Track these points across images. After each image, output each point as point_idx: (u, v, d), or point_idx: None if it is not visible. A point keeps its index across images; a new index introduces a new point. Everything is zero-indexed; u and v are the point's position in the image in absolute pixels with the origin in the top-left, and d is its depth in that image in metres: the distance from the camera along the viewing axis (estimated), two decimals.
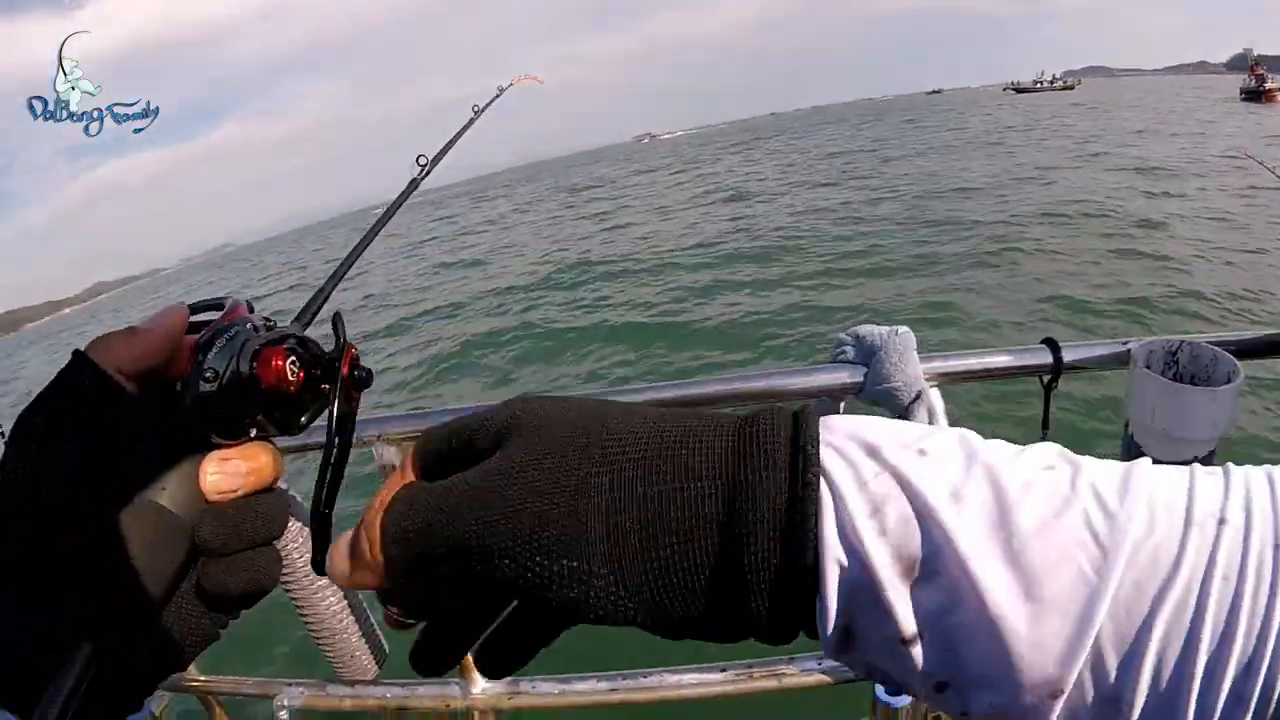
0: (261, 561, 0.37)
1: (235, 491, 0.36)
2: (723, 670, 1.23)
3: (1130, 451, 1.12)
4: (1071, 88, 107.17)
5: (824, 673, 1.22)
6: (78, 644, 0.31)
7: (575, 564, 0.29)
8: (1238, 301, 7.09)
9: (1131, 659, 0.25)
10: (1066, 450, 0.31)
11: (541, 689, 1.26)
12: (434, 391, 8.78)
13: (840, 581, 0.27)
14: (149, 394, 0.36)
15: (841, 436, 0.30)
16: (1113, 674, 0.26)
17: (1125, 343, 1.14)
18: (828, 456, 0.29)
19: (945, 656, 0.27)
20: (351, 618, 1.24)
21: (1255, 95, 46.76)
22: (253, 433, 0.37)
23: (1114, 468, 0.29)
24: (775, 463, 0.28)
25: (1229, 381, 1.07)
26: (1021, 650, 0.26)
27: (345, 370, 0.38)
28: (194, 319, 0.39)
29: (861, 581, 0.27)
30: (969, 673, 0.27)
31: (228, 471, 0.36)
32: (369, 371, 0.39)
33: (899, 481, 0.28)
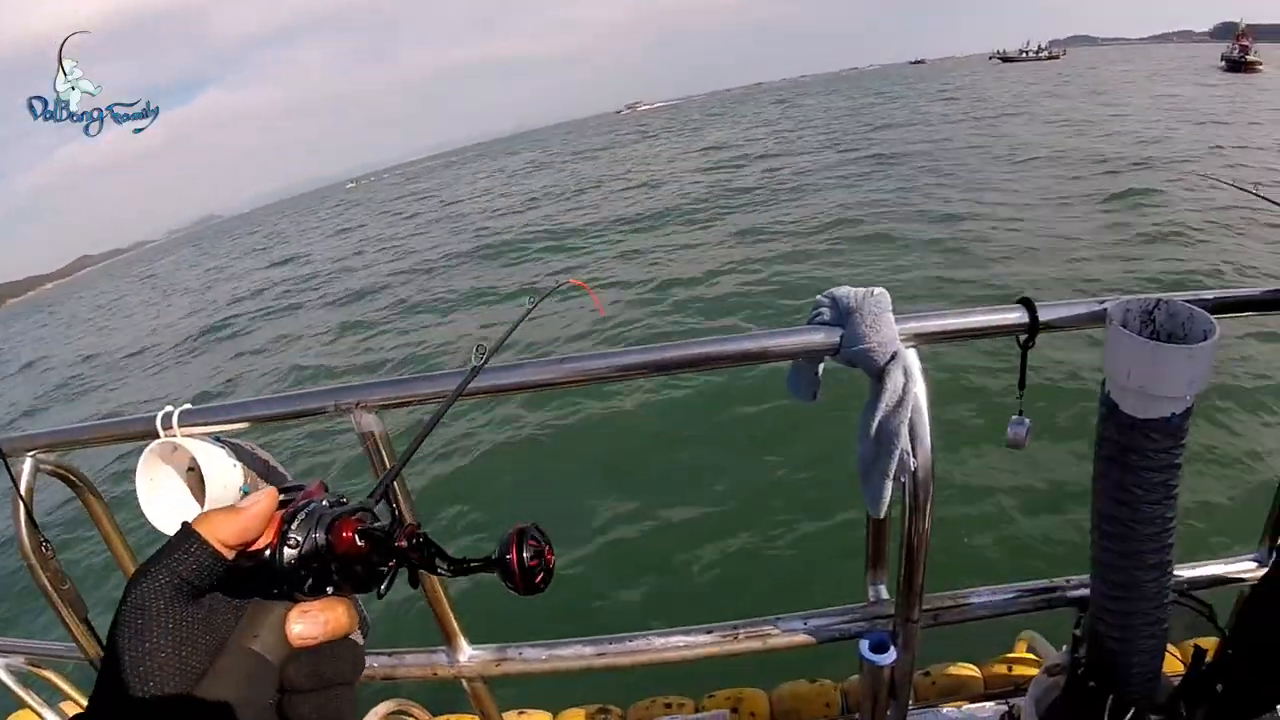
0: (340, 700, 0.44)
1: (315, 639, 0.43)
2: (709, 632, 1.25)
3: (1107, 409, 1.13)
4: (1057, 57, 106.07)
5: (809, 633, 1.24)
6: None
7: None
8: None
9: None
10: None
11: (528, 655, 1.28)
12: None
13: None
14: (247, 557, 0.44)
15: None
16: None
17: (1102, 301, 1.14)
18: None
19: None
20: None
21: (1237, 65, 45.62)
22: (330, 590, 0.45)
23: None
24: None
25: (1205, 339, 1.07)
26: None
27: (403, 543, 0.46)
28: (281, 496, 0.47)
29: None
30: None
31: (309, 622, 0.43)
32: (424, 539, 0.47)
33: None
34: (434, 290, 13.22)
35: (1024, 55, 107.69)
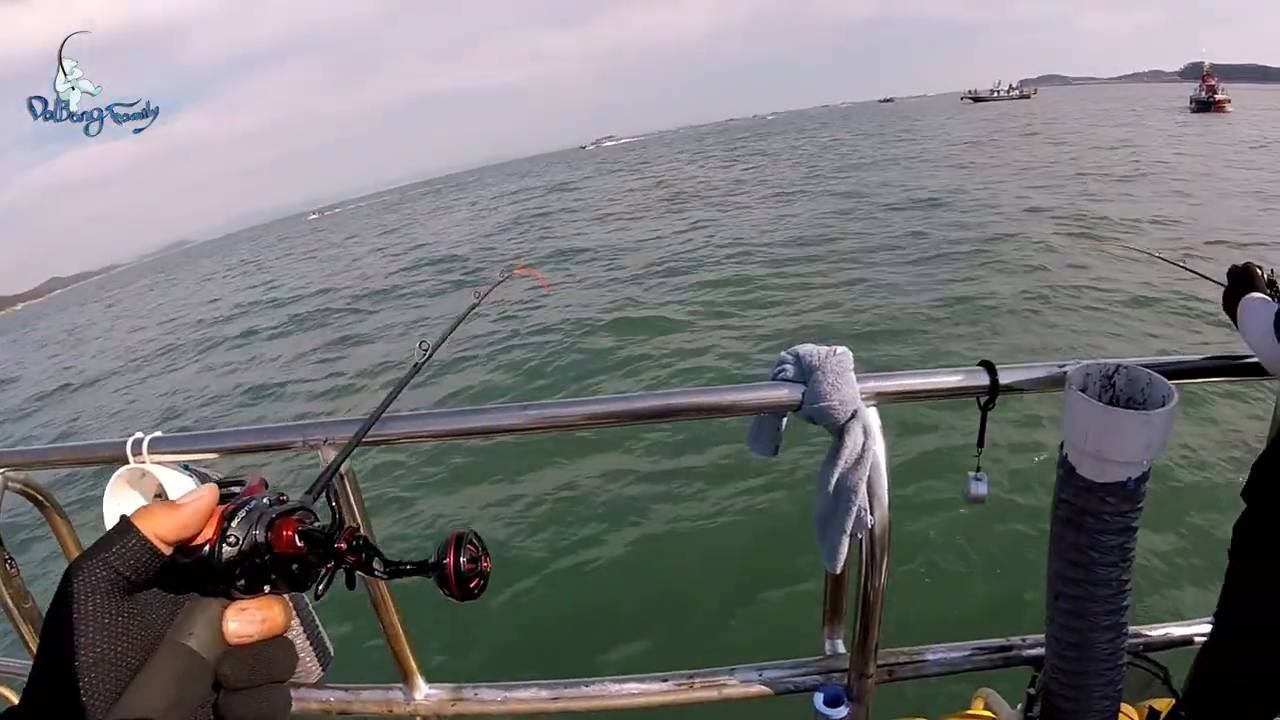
0: (273, 698, 0.43)
1: (251, 637, 0.43)
2: (664, 680, 1.25)
3: (1065, 471, 1.14)
4: (1028, 96, 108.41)
5: (764, 684, 1.24)
6: None
7: None
8: None
9: None
10: None
11: (484, 695, 1.27)
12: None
13: None
14: (185, 553, 0.43)
15: None
16: None
17: (1062, 365, 1.16)
18: None
19: None
20: (297, 620, 1.24)
21: (1205, 106, 46.71)
22: (266, 589, 0.45)
23: None
24: None
25: (1164, 405, 1.09)
26: None
27: (342, 545, 0.47)
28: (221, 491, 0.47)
29: None
30: None
31: (245, 620, 0.43)
32: (363, 541, 0.48)
33: None
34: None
35: (994, 95, 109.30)
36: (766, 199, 21.26)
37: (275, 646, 0.44)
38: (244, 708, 0.42)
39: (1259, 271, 1.23)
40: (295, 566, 0.46)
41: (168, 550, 0.42)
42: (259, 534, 0.44)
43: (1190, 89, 53.63)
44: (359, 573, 0.49)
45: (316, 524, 0.48)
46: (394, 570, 0.49)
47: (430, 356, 0.78)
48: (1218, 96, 47.04)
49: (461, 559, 0.49)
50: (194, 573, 0.43)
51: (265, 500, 0.47)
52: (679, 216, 19.63)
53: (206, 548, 0.43)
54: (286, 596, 0.46)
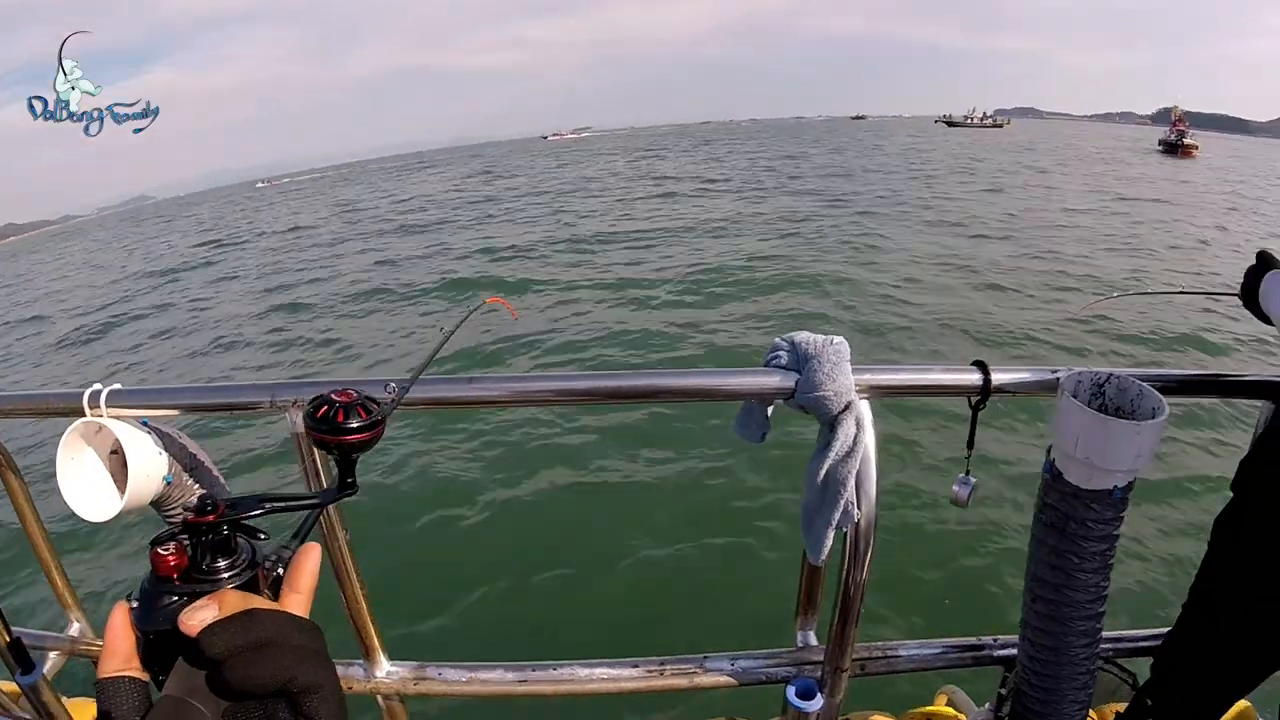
0: (272, 659, 0.41)
1: (208, 620, 0.42)
2: (635, 666, 1.22)
3: (1052, 476, 1.13)
4: (1000, 125, 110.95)
5: (735, 674, 1.22)
6: None
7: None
8: None
9: None
10: None
11: (449, 675, 1.23)
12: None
13: None
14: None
15: None
16: None
17: (1055, 370, 1.15)
18: None
19: None
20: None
21: (1173, 149, 47.61)
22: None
23: None
24: None
25: (1154, 416, 1.08)
26: None
27: (189, 517, 0.48)
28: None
29: None
30: None
31: (196, 613, 0.42)
32: (213, 504, 0.48)
33: None
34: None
35: (968, 121, 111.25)
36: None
37: (257, 615, 0.43)
38: (234, 674, 0.40)
39: (1275, 256, 1.22)
40: (205, 561, 0.47)
41: (133, 674, 0.45)
42: (145, 581, 0.46)
43: (1161, 132, 54.82)
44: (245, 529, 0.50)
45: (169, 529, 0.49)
46: (280, 499, 0.52)
47: (398, 402, 0.76)
48: (1186, 141, 48.04)
49: (347, 425, 0.53)
50: (165, 655, 0.45)
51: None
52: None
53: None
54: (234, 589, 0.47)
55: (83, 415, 1.17)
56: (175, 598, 0.45)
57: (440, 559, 4.38)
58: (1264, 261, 1.22)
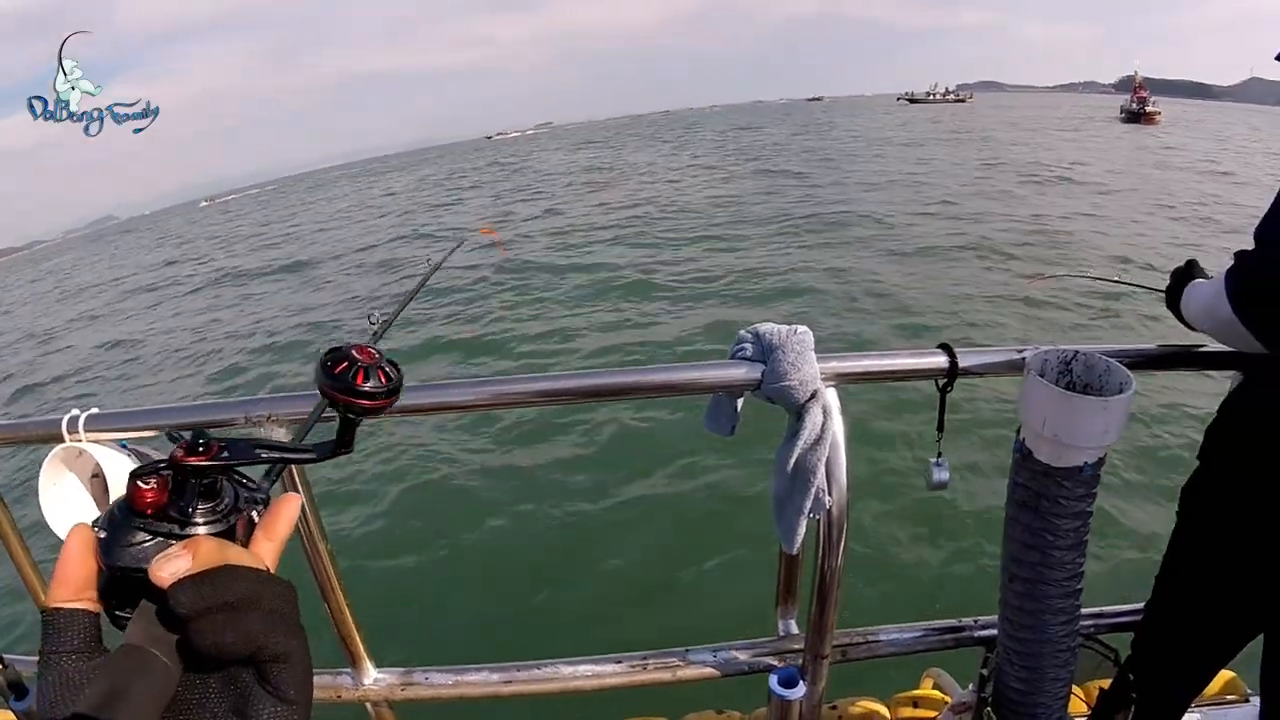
0: (240, 623, 0.39)
1: (181, 571, 0.39)
2: (618, 662, 1.23)
3: (1022, 455, 1.14)
4: (963, 100, 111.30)
5: (718, 666, 1.23)
6: None
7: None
8: None
9: None
10: None
11: (435, 679, 1.24)
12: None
13: None
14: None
15: None
16: None
17: (1020, 350, 1.16)
18: None
19: None
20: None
21: (1136, 116, 47.85)
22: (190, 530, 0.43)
23: None
24: None
25: (1121, 392, 1.09)
26: None
27: (179, 454, 0.44)
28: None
29: None
30: None
31: (169, 562, 0.39)
32: (206, 444, 0.45)
33: None
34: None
35: (930, 97, 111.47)
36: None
37: (232, 570, 0.40)
38: (202, 636, 0.38)
39: (1200, 268, 1.25)
40: (180, 505, 0.43)
41: (90, 604, 0.42)
42: (118, 515, 0.43)
43: (1124, 100, 55.20)
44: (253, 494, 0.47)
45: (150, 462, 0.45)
46: (276, 448, 0.48)
47: (380, 334, 0.74)
48: (1148, 108, 48.35)
49: (360, 385, 0.50)
50: (123, 593, 0.42)
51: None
52: None
53: (110, 574, 0.42)
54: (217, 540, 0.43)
55: (62, 441, 1.18)
56: (147, 536, 0.42)
57: (418, 563, 4.37)
58: (1189, 270, 1.25)
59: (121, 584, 0.42)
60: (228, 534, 0.45)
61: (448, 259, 1.00)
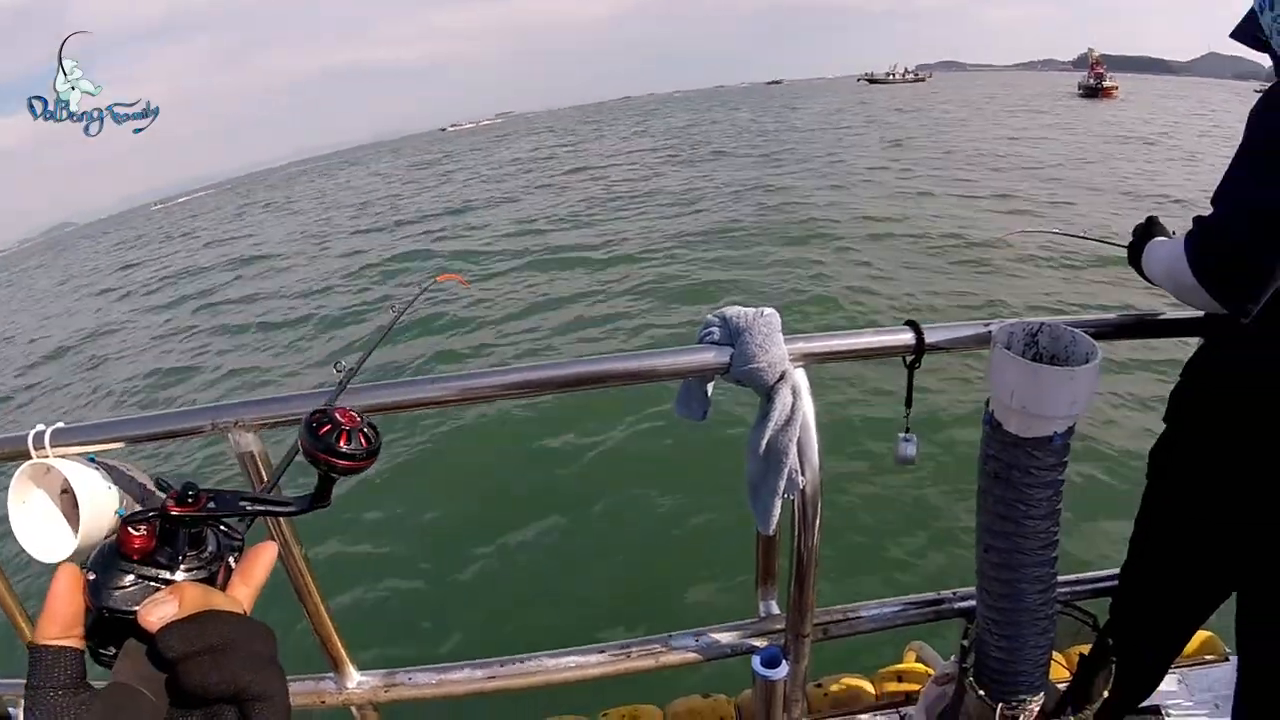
0: (226, 664, 0.40)
1: (169, 617, 0.41)
2: (601, 651, 1.24)
3: (991, 427, 1.16)
4: (923, 80, 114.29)
5: (701, 650, 1.24)
6: None
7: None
8: None
9: None
10: None
11: (418, 679, 1.24)
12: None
13: None
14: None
15: None
16: None
17: (986, 324, 1.17)
18: None
19: None
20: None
21: (1093, 92, 48.67)
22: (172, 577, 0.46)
23: None
24: None
25: (1087, 362, 1.11)
26: None
27: (170, 505, 0.47)
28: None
29: None
30: None
31: (156, 607, 0.41)
32: (196, 495, 0.48)
33: None
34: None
35: (890, 78, 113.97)
36: None
37: (216, 615, 0.42)
38: (189, 678, 0.40)
39: (1160, 224, 1.26)
40: (166, 553, 0.47)
41: (76, 642, 0.43)
42: (108, 554, 0.45)
43: (1081, 76, 56.09)
44: (228, 522, 0.50)
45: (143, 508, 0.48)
46: (260, 502, 0.50)
47: (346, 383, 0.76)
48: (1105, 83, 49.31)
49: (340, 445, 0.52)
50: (109, 633, 0.44)
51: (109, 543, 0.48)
52: None
53: (99, 613, 0.44)
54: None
55: (29, 457, 1.16)
56: (134, 579, 0.45)
57: (396, 564, 4.35)
58: (1149, 227, 1.27)
59: (108, 624, 0.44)
60: (209, 579, 0.48)
61: (410, 307, 1.00)
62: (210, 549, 0.49)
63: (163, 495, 0.49)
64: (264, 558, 0.51)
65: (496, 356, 7.80)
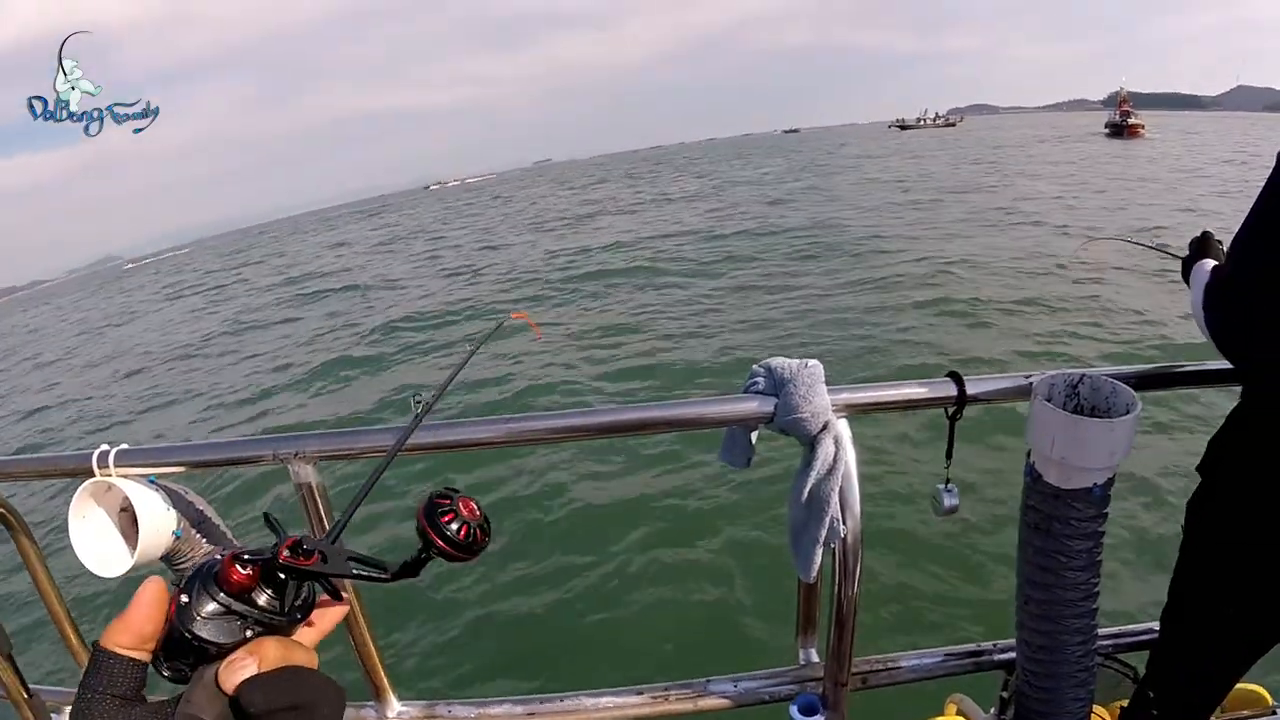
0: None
1: (251, 674, 0.43)
2: (639, 693, 1.25)
3: (1032, 479, 1.16)
4: (953, 124, 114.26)
5: (739, 695, 1.24)
6: None
7: None
8: None
9: None
10: None
11: (458, 712, 1.26)
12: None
13: None
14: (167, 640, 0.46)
15: None
16: None
17: (1028, 376, 1.18)
18: None
19: None
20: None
21: (1119, 130, 48.02)
22: (249, 634, 0.46)
23: None
24: None
25: (1127, 413, 1.11)
26: None
27: (284, 554, 0.47)
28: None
29: None
30: None
31: (236, 668, 0.43)
32: (306, 550, 0.48)
33: None
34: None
35: (921, 123, 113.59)
36: None
37: (295, 673, 0.44)
38: None
39: (1215, 241, 1.25)
40: (263, 596, 0.47)
41: (143, 655, 0.45)
42: (209, 585, 0.45)
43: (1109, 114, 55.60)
44: (332, 580, 0.50)
45: (254, 549, 0.48)
46: (363, 564, 0.50)
47: (428, 411, 0.79)
48: (1131, 121, 48.57)
49: (451, 528, 0.51)
50: (179, 652, 0.45)
51: (217, 556, 0.48)
52: None
53: (178, 632, 0.45)
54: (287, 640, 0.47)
55: (92, 475, 1.21)
56: (221, 608, 0.45)
57: (441, 595, 4.38)
58: (1203, 243, 1.25)
59: (184, 645, 0.45)
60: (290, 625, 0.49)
61: (485, 343, 1.04)
62: (305, 597, 0.50)
63: (222, 525, 0.50)
64: (335, 615, 0.53)
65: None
